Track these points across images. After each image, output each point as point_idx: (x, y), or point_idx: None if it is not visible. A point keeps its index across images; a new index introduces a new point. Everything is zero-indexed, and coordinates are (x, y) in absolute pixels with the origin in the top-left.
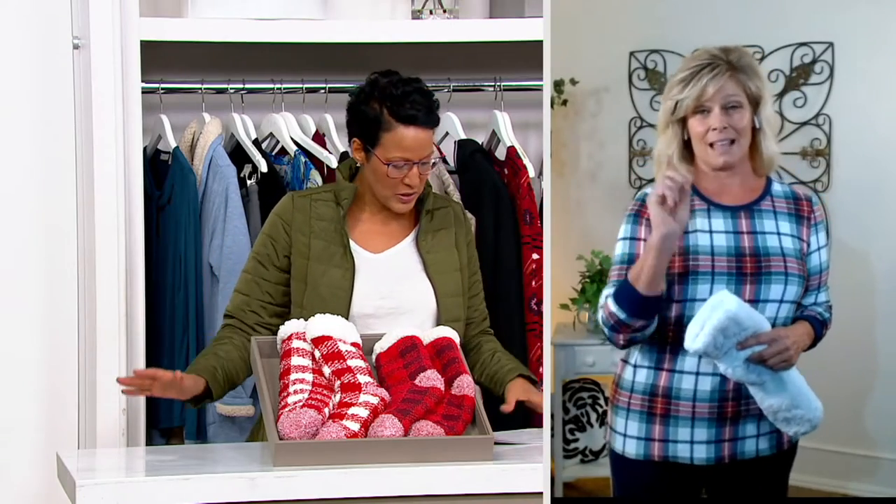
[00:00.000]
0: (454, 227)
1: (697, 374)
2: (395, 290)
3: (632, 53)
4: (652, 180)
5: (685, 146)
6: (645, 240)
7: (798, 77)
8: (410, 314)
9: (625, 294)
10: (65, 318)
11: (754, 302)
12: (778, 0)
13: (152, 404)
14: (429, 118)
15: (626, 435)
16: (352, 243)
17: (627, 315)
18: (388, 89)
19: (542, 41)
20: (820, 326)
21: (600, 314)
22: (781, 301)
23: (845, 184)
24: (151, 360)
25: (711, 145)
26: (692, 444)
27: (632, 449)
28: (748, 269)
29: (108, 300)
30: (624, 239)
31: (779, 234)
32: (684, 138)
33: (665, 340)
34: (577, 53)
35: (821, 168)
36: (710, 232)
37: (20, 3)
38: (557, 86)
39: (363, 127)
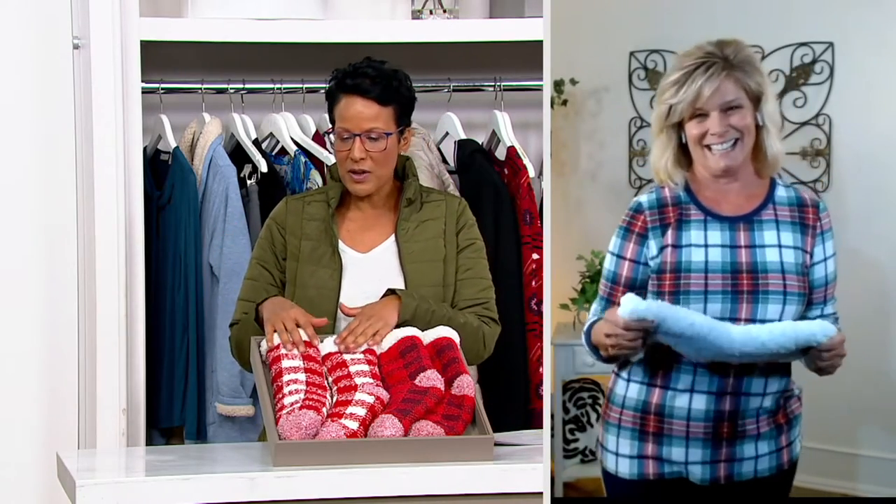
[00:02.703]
0: (444, 219)
1: (692, 391)
2: (379, 290)
3: (632, 53)
4: (651, 181)
5: (682, 151)
6: (631, 259)
7: (798, 77)
8: None
9: (592, 347)
10: (65, 318)
11: (750, 321)
12: (778, 0)
13: (152, 404)
14: (372, 89)
15: (619, 454)
16: (340, 243)
17: (601, 360)
18: (347, 67)
19: (542, 41)
20: None
21: (583, 338)
22: (780, 321)
23: (845, 184)
24: (151, 360)
25: (709, 148)
26: (687, 465)
27: (625, 469)
28: (744, 287)
29: (108, 300)
30: (611, 254)
31: (780, 246)
32: (681, 142)
33: (658, 356)
34: (577, 53)
35: (821, 168)
36: (706, 246)
37: (20, 3)
38: (557, 86)
39: (328, 107)
